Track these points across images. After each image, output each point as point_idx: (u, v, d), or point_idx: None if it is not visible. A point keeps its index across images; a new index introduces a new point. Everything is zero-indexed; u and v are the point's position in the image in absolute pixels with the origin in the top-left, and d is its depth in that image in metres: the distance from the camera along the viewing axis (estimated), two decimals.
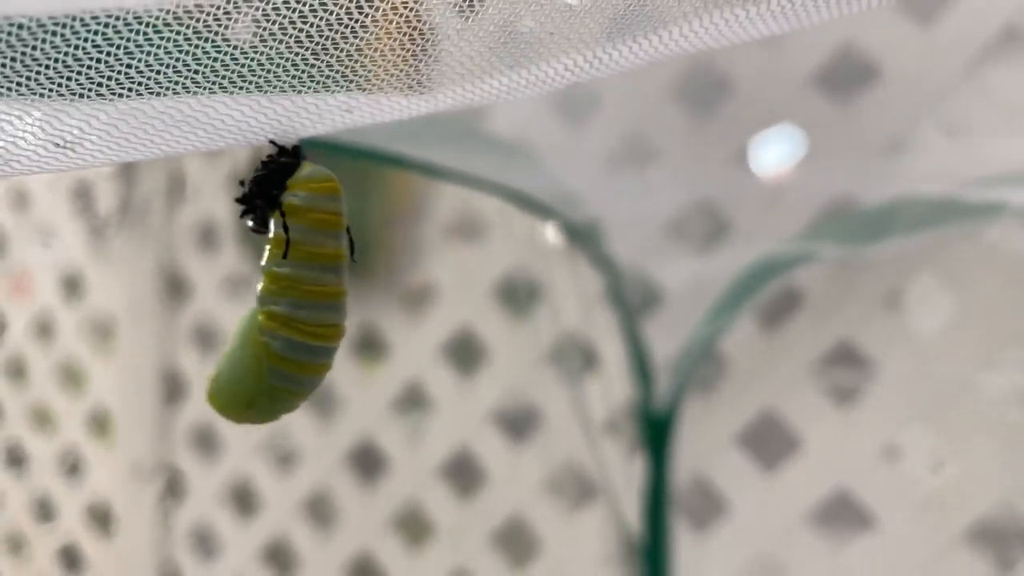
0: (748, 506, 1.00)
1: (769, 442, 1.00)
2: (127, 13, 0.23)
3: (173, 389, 1.45)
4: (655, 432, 0.76)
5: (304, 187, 0.32)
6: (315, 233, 0.32)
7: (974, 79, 0.83)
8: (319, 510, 1.31)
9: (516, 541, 1.15)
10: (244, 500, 1.38)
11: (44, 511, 1.59)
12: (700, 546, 1.02)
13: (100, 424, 1.53)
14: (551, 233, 0.98)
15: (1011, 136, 0.75)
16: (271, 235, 0.33)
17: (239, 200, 0.33)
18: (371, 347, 1.26)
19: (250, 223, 0.33)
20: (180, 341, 1.43)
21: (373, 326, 1.25)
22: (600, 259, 0.72)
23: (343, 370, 1.27)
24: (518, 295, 1.13)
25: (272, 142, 0.33)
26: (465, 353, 1.19)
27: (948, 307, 0.93)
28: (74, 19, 0.22)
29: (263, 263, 0.33)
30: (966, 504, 0.92)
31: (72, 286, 1.55)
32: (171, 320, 1.44)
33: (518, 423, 1.16)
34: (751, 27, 0.32)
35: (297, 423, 1.31)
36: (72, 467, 1.55)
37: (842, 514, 0.99)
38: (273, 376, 0.33)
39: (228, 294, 1.39)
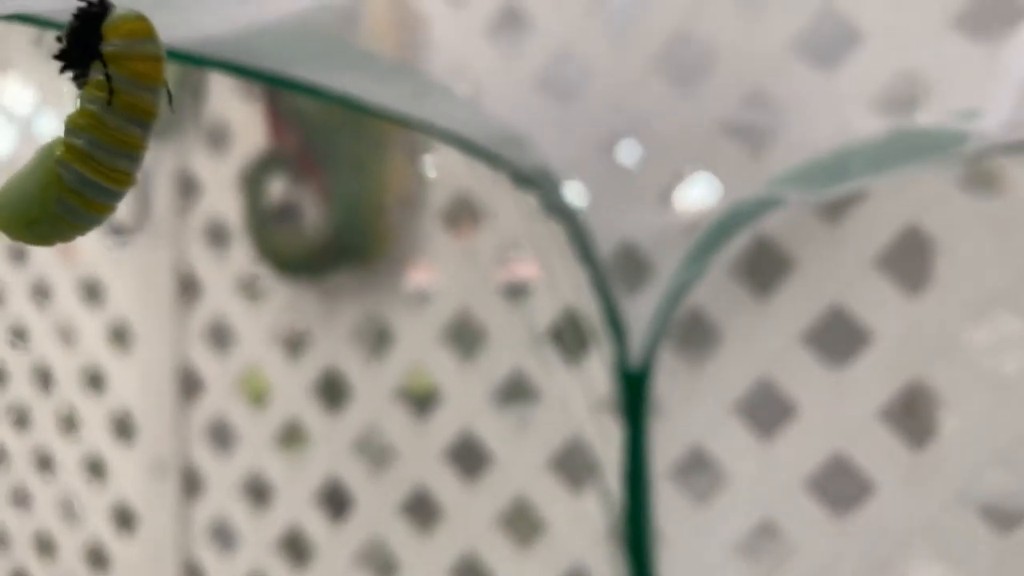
0: (745, 474, 1.00)
1: (764, 408, 1.00)
2: None
3: (189, 386, 1.47)
4: (631, 388, 0.76)
5: (117, 31, 0.33)
6: (134, 85, 0.34)
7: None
8: (332, 499, 1.33)
9: (519, 521, 1.16)
10: (259, 492, 1.40)
11: (69, 512, 1.63)
12: (697, 516, 1.01)
13: (122, 424, 1.56)
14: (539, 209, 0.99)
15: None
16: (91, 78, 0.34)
17: (57, 56, 0.34)
18: (375, 336, 1.28)
19: (71, 77, 0.34)
20: (194, 339, 1.46)
21: (375, 314, 1.27)
22: (557, 207, 0.73)
23: (350, 360, 1.29)
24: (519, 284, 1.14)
25: None
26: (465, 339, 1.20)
27: (937, 264, 0.92)
28: None
29: (79, 98, 0.34)
30: (962, 466, 0.91)
31: (92, 292, 1.59)
32: (185, 319, 1.47)
33: (520, 404, 1.16)
34: None
35: (307, 412, 1.33)
36: (95, 468, 1.59)
37: (840, 480, 0.98)
38: (59, 205, 0.34)
39: (239, 291, 1.42)
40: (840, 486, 0.98)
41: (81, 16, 0.33)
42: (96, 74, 0.34)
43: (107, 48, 0.34)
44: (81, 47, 0.34)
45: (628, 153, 0.88)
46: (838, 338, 0.96)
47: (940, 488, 0.92)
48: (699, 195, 0.87)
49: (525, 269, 1.14)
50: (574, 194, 0.77)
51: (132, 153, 0.34)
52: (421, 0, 1.16)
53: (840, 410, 0.97)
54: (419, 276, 1.26)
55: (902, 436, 0.93)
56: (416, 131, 0.73)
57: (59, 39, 0.34)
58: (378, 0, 1.09)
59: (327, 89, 0.54)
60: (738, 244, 0.86)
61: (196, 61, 0.51)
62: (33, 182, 0.35)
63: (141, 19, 0.34)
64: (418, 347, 1.23)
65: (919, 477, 0.93)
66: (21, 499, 1.70)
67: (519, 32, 1.05)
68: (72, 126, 0.34)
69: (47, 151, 0.35)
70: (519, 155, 0.69)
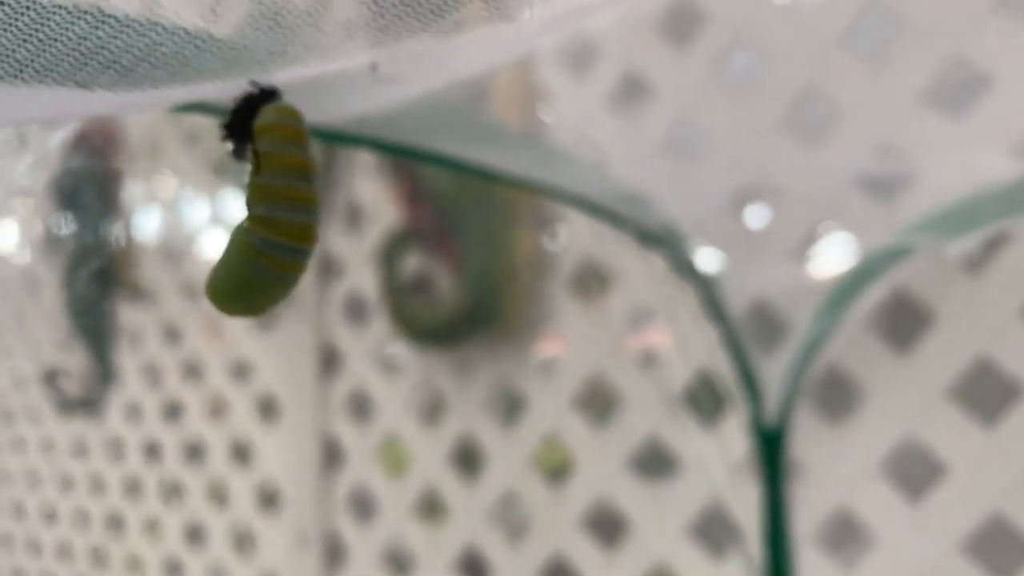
0: (894, 537, 0.96)
1: (911, 467, 0.96)
2: None
3: (331, 457, 1.51)
4: (768, 447, 0.75)
5: (269, 112, 0.39)
6: (282, 144, 0.39)
7: None
8: (471, 568, 1.34)
9: None
10: (400, 562, 1.42)
11: None
12: None
13: (268, 496, 1.61)
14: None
15: None
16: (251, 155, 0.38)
17: (223, 127, 0.39)
18: (509, 404, 1.29)
19: (231, 148, 0.39)
20: (336, 411, 1.51)
21: (508, 382, 1.28)
22: (685, 266, 0.73)
23: (485, 429, 1.31)
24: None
25: (252, 82, 0.39)
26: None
27: None
28: None
29: (248, 178, 0.39)
30: None
31: (240, 369, 1.67)
32: (327, 392, 1.52)
33: (656, 469, 1.15)
34: None
35: (445, 481, 1.35)
36: (243, 539, 1.64)
37: (998, 542, 0.93)
38: (254, 269, 0.39)
39: (379, 363, 1.46)
40: (999, 549, 0.93)
41: (245, 99, 0.38)
42: (251, 150, 0.38)
43: (258, 121, 0.39)
44: (240, 124, 0.38)
45: (757, 211, 0.88)
46: (987, 392, 0.93)
47: None
48: (831, 249, 0.86)
49: (656, 332, 1.14)
50: (704, 254, 0.77)
51: (306, 207, 0.39)
52: (544, 74, 1.20)
53: (993, 467, 0.92)
54: (550, 343, 1.28)
55: None
56: (543, 196, 0.76)
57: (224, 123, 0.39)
58: (503, 76, 1.13)
59: (462, 160, 0.57)
60: (875, 297, 0.85)
61: (348, 139, 0.55)
62: (232, 256, 0.40)
63: (288, 105, 0.39)
64: (552, 414, 1.24)
65: None
66: (173, 569, 1.77)
67: (641, 98, 1.07)
68: (250, 201, 0.39)
69: (237, 231, 0.40)
70: (644, 214, 0.70)
